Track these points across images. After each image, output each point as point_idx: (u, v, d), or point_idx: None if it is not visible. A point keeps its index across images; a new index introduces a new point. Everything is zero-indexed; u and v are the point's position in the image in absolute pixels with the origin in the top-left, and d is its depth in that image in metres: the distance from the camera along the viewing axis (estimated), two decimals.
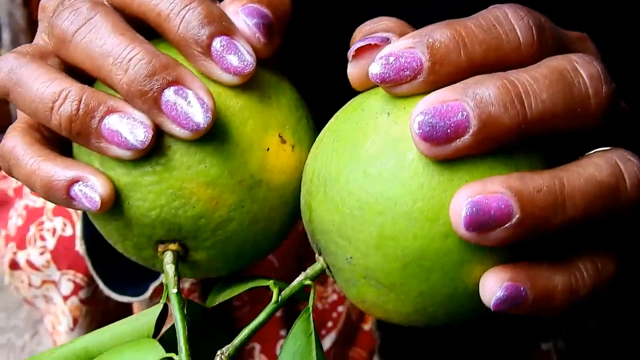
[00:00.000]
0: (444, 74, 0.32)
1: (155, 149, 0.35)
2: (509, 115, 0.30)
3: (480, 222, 0.29)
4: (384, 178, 0.32)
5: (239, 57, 0.36)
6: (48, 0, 0.42)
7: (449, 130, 0.30)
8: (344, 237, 0.33)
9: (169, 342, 0.36)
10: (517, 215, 0.29)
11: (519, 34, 0.32)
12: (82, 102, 0.34)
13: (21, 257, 0.77)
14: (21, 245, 0.77)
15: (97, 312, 0.79)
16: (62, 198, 0.35)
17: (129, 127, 0.34)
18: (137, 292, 0.69)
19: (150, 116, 0.34)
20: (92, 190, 0.35)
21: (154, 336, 0.37)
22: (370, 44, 0.35)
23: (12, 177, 0.37)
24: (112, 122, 0.34)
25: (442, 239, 0.31)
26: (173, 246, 0.37)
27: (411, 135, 0.31)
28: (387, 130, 0.33)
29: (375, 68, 0.32)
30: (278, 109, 0.38)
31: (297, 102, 0.40)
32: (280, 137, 0.38)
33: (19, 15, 1.80)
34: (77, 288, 0.76)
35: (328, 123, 0.37)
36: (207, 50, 0.35)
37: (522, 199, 0.29)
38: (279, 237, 0.40)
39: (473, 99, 0.30)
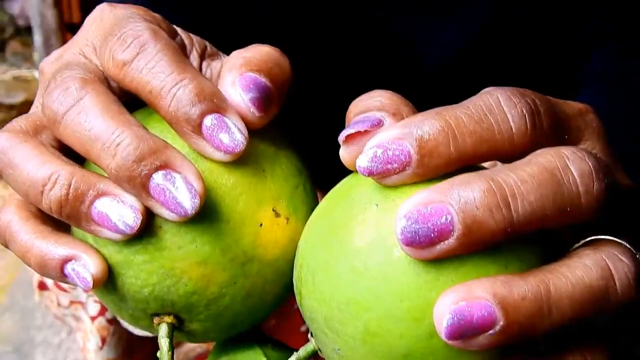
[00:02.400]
0: (433, 166, 0.31)
1: (147, 229, 0.35)
2: (494, 220, 0.29)
3: (463, 330, 0.29)
4: (371, 275, 0.31)
5: (230, 136, 0.35)
6: (47, 62, 0.42)
7: (432, 235, 0.29)
8: (331, 329, 0.33)
9: None
10: (501, 323, 0.28)
11: (511, 124, 0.31)
12: (72, 186, 0.34)
13: (49, 279, 0.79)
14: None
15: (124, 332, 0.80)
16: (56, 276, 0.36)
17: (119, 211, 0.34)
18: None
19: (139, 199, 0.34)
20: (85, 269, 0.35)
21: None
22: (359, 131, 0.34)
23: (8, 249, 0.37)
24: (102, 206, 0.34)
25: (428, 339, 0.30)
26: (168, 319, 0.37)
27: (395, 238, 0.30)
28: (375, 224, 0.32)
29: (363, 161, 0.32)
30: (272, 181, 0.38)
31: (294, 170, 0.40)
32: (274, 211, 0.37)
33: (50, 16, 1.80)
34: (103, 309, 0.78)
35: (320, 205, 0.37)
36: (197, 129, 0.35)
37: (506, 306, 0.29)
38: (275, 306, 0.40)
39: (458, 202, 0.29)
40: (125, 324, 0.68)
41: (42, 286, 0.79)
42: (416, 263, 0.30)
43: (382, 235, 0.32)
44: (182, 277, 0.35)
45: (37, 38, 1.87)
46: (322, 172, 0.41)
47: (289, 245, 0.38)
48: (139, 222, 0.34)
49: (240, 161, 0.36)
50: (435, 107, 0.32)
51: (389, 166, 0.31)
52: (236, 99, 0.36)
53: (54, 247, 0.35)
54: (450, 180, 0.30)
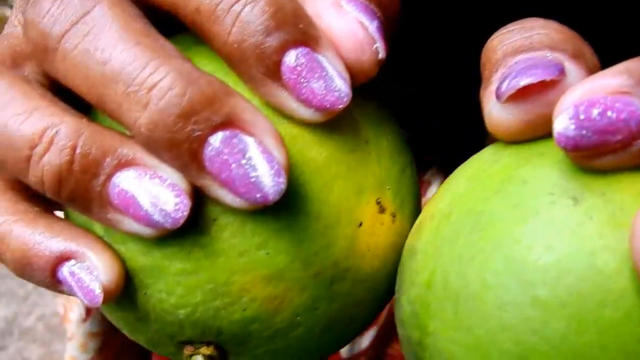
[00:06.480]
0: None
1: (193, 222, 0.23)
2: None
3: None
4: (571, 315, 0.19)
5: (326, 83, 0.22)
6: None
7: None
8: None
9: None
10: None
11: None
12: (79, 150, 0.21)
13: None
14: None
15: None
16: (45, 281, 0.24)
17: (153, 193, 0.22)
18: None
19: (187, 176, 0.22)
20: (91, 274, 0.23)
21: None
22: (544, 81, 0.21)
23: None
24: (126, 183, 0.22)
25: None
26: (206, 350, 0.25)
27: None
28: (575, 230, 0.20)
29: (566, 126, 0.20)
30: (377, 159, 0.25)
31: (400, 144, 0.27)
32: (378, 203, 0.25)
33: None
34: None
35: (455, 184, 0.24)
36: (275, 71, 0.22)
37: None
38: (353, 338, 0.28)
39: None
40: None
41: None
42: None
43: (589, 249, 0.20)
44: (242, 298, 0.23)
45: None
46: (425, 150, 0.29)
47: (390, 254, 0.26)
48: (186, 210, 0.22)
49: (336, 126, 0.24)
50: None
51: (608, 137, 0.19)
52: (349, 26, 0.23)
53: (43, 237, 0.23)
54: None
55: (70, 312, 0.69)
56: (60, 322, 0.73)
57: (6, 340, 1.25)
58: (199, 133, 0.21)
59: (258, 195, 0.21)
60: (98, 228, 0.24)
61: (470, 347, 0.21)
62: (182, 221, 0.21)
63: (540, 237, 0.20)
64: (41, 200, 0.25)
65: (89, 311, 0.68)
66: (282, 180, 0.21)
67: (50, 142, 0.21)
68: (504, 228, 0.21)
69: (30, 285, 1.34)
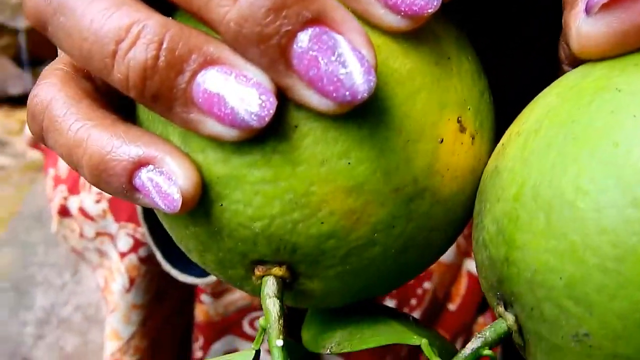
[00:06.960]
0: None
1: (274, 129, 0.22)
2: None
3: None
4: None
5: None
6: None
7: None
8: (579, 300, 0.20)
9: None
10: None
11: None
12: (165, 45, 0.21)
13: (73, 204, 0.66)
14: (74, 189, 0.66)
15: (157, 273, 0.68)
16: (121, 187, 0.23)
17: (238, 92, 0.21)
18: (203, 271, 0.57)
19: (272, 75, 0.21)
20: (169, 180, 0.22)
21: None
22: None
23: (46, 145, 0.25)
24: (212, 82, 0.21)
25: None
26: (278, 270, 0.25)
27: None
28: None
29: None
30: (459, 77, 0.25)
31: (479, 67, 0.27)
32: (459, 122, 0.24)
33: None
34: (137, 245, 0.66)
35: (540, 103, 0.24)
36: None
37: None
38: (429, 264, 0.28)
39: None
40: (167, 267, 0.55)
41: (64, 212, 0.67)
42: None
43: None
44: (320, 210, 0.23)
45: None
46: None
47: (468, 177, 0.25)
48: (272, 109, 0.21)
49: (420, 38, 0.24)
50: None
51: None
52: None
53: (121, 141, 0.23)
54: None
55: (113, 282, 0.69)
56: (101, 295, 0.73)
57: (44, 330, 1.26)
58: (289, 28, 0.20)
59: (347, 93, 0.21)
60: (175, 138, 0.24)
61: (564, 254, 0.20)
62: (267, 119, 0.21)
63: (639, 140, 0.20)
64: (116, 105, 0.25)
65: (132, 281, 0.68)
66: (373, 77, 0.21)
67: (137, 37, 0.21)
68: (600, 134, 0.21)
69: (67, 275, 1.35)
